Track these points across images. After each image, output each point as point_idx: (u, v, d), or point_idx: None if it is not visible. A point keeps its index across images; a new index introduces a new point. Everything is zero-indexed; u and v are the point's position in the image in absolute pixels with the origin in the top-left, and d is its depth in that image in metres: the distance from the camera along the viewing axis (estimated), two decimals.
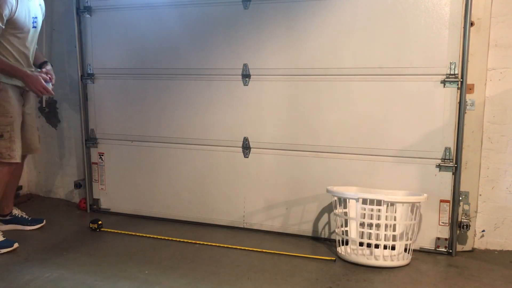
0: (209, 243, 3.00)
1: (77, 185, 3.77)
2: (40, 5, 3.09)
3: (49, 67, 3.11)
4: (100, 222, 3.26)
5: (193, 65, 3.32)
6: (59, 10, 3.81)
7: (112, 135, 3.64)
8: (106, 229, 3.25)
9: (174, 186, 3.48)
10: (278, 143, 3.16)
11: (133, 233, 3.19)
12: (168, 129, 3.45)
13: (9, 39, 2.86)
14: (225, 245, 2.98)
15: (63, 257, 2.77)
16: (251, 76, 3.17)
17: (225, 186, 3.33)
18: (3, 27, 2.76)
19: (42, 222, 3.32)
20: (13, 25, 2.82)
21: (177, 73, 3.37)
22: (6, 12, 2.73)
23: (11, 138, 2.88)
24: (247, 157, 3.25)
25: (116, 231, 3.24)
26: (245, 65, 3.18)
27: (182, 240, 3.07)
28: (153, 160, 3.52)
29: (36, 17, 3.01)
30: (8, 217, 3.24)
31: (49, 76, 3.02)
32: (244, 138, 3.24)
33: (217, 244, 2.99)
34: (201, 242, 3.02)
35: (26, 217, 3.30)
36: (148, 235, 3.14)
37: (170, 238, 3.10)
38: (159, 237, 3.11)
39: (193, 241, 3.04)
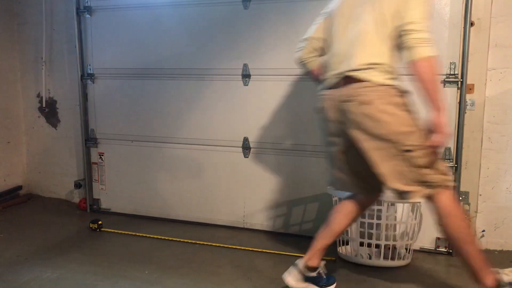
0: (209, 243, 3.00)
1: (77, 185, 3.77)
2: None
3: None
4: (100, 222, 3.25)
5: (193, 65, 3.32)
6: (59, 10, 3.81)
7: (112, 135, 3.64)
8: (106, 229, 3.25)
9: (174, 186, 3.48)
10: (278, 143, 3.16)
11: (133, 233, 3.19)
12: (168, 129, 3.45)
13: None
14: (225, 245, 2.98)
15: (63, 257, 2.77)
16: (251, 76, 3.17)
17: (225, 186, 3.33)
18: None
19: (334, 283, 2.36)
20: None
21: (177, 73, 3.37)
22: None
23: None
24: (247, 157, 3.25)
25: (116, 231, 3.23)
26: (245, 65, 3.17)
27: (182, 240, 3.07)
28: (153, 160, 3.52)
29: None
30: (314, 274, 2.29)
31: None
32: (244, 138, 3.24)
33: (217, 244, 2.99)
34: (201, 242, 3.02)
35: (324, 276, 2.34)
36: (148, 235, 3.14)
37: (170, 238, 3.10)
38: (159, 237, 3.11)
39: (193, 241, 3.04)
